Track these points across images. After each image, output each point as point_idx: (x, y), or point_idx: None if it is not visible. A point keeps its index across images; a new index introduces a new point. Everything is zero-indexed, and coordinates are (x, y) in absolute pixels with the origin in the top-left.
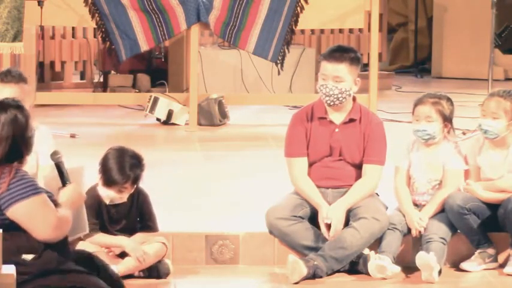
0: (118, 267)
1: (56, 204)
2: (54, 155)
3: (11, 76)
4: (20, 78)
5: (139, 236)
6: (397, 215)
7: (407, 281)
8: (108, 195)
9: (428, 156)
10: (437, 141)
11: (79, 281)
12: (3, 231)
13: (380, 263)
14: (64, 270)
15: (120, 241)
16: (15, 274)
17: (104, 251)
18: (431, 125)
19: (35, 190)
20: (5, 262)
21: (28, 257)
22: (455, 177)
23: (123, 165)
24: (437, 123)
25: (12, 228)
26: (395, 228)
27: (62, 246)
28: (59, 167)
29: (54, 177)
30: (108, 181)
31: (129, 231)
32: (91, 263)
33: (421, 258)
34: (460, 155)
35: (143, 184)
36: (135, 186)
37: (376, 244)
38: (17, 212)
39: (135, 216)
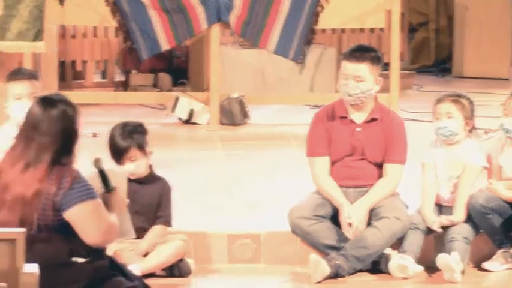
0: (140, 266)
1: None
2: (96, 162)
3: (22, 74)
4: (30, 75)
5: (159, 229)
6: (419, 215)
7: (430, 280)
8: (125, 169)
9: (450, 153)
10: (459, 139)
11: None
12: (55, 232)
13: (402, 263)
14: (113, 276)
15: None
16: (38, 273)
17: (129, 249)
18: (452, 121)
19: (93, 194)
20: (56, 263)
21: (78, 259)
22: (472, 173)
23: (124, 133)
24: (458, 120)
25: (63, 230)
26: (417, 228)
27: (103, 250)
28: (102, 173)
29: (96, 179)
30: (115, 154)
31: (149, 223)
32: (112, 264)
33: (442, 259)
34: (482, 153)
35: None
36: (145, 153)
37: (398, 243)
38: (74, 214)
39: (156, 207)
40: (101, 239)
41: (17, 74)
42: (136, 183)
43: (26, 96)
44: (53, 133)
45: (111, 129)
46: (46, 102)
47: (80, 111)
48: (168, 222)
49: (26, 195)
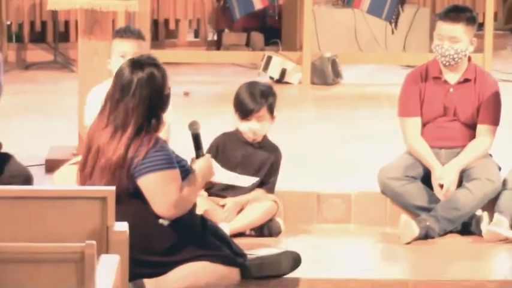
0: (229, 226)
1: (189, 172)
2: (192, 126)
3: (130, 32)
4: (139, 35)
5: (261, 193)
6: None
7: None
8: (250, 127)
9: None
10: None
11: (212, 249)
12: (133, 198)
13: (494, 230)
14: (201, 235)
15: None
16: (128, 231)
17: (219, 208)
18: None
19: (168, 164)
20: (141, 226)
21: (165, 222)
22: None
23: (254, 93)
24: None
25: (140, 195)
26: None
27: (192, 210)
28: (196, 138)
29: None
30: (244, 111)
31: (251, 188)
32: (203, 224)
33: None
34: None
35: None
36: (272, 116)
37: (489, 205)
38: (146, 182)
39: (266, 173)
40: (169, 212)
41: (126, 32)
42: (252, 147)
43: (131, 55)
44: (140, 96)
45: (239, 88)
46: (134, 64)
47: (169, 75)
48: (271, 190)
49: (112, 160)
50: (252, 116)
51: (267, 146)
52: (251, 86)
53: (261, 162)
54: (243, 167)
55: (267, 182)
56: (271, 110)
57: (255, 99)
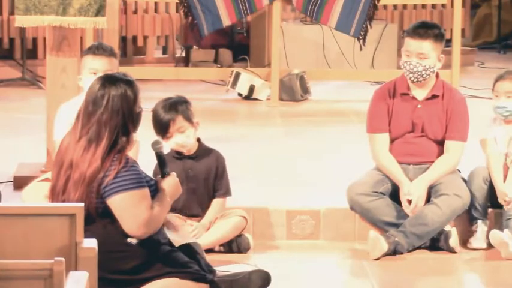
0: (198, 242)
1: (158, 192)
2: (155, 145)
3: (102, 49)
4: (111, 53)
5: (220, 202)
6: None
7: (489, 257)
8: (176, 142)
9: (510, 132)
10: None
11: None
12: (101, 217)
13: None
14: (170, 252)
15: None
16: (96, 247)
17: (188, 224)
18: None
19: (138, 184)
20: (110, 245)
21: (133, 240)
22: None
23: (165, 106)
24: None
25: (109, 214)
26: None
27: (161, 228)
28: (160, 157)
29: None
30: (161, 127)
31: (208, 197)
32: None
33: (494, 236)
34: None
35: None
36: (192, 123)
37: (458, 220)
38: (116, 202)
39: (214, 179)
40: (140, 231)
41: (98, 49)
42: (190, 159)
43: (102, 72)
44: (112, 109)
45: (153, 107)
46: (107, 80)
47: (140, 91)
48: (227, 193)
49: (87, 173)
50: (170, 131)
51: (204, 154)
52: (161, 101)
53: (206, 171)
54: (189, 181)
55: (219, 188)
56: (187, 118)
57: (167, 112)
